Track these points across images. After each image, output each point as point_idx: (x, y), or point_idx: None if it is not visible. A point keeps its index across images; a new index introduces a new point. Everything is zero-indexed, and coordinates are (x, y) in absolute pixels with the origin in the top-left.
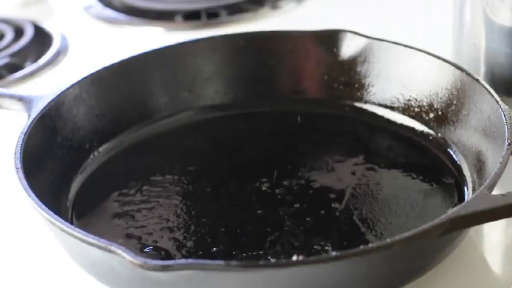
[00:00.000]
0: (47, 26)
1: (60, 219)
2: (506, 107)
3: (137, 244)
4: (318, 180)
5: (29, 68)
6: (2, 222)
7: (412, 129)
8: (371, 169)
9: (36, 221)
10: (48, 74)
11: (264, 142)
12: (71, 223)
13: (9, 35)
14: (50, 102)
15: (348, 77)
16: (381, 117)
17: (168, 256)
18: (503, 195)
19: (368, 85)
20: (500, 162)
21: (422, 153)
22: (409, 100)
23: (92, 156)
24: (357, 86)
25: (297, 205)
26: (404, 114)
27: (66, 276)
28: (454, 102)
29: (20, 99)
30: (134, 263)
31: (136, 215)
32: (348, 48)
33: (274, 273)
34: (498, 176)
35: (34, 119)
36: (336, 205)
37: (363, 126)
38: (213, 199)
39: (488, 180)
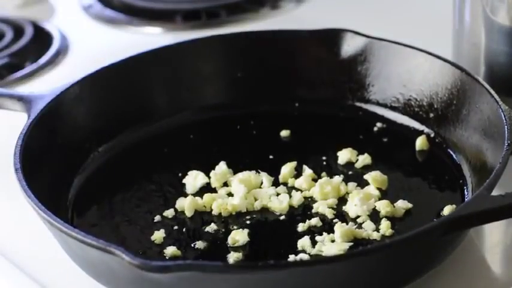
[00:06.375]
0: (47, 25)
1: (59, 220)
2: (506, 107)
3: (136, 245)
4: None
5: (28, 68)
6: (2, 223)
7: (412, 129)
8: (371, 169)
9: (36, 221)
10: (48, 74)
11: (264, 142)
12: (71, 223)
13: (9, 34)
14: (49, 103)
15: (348, 76)
16: (381, 117)
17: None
18: (502, 196)
19: (368, 84)
20: (499, 163)
21: (422, 153)
22: (409, 100)
23: (91, 156)
24: (357, 85)
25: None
26: (404, 114)
27: (66, 276)
28: (454, 102)
29: (20, 99)
30: (133, 264)
31: (135, 215)
32: (348, 47)
33: (273, 274)
34: (498, 176)
35: (34, 119)
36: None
37: (363, 126)
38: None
39: (487, 181)
